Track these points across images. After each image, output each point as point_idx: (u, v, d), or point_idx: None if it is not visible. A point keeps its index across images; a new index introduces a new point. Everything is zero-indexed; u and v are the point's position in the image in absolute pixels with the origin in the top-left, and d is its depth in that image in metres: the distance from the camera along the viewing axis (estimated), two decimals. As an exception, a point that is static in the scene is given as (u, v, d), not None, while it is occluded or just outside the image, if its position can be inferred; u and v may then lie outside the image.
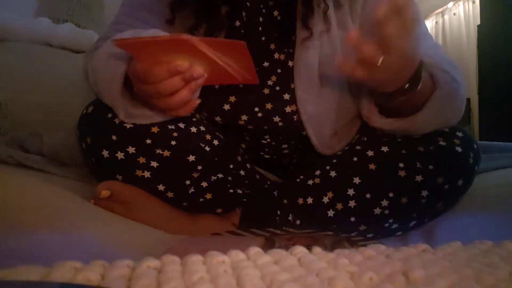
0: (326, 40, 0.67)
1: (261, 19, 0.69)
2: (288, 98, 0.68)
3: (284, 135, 0.71)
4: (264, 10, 0.69)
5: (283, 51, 0.69)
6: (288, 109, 0.68)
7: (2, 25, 1.14)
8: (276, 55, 0.69)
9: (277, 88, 0.68)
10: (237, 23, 0.69)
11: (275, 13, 0.69)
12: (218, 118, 0.69)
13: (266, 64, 0.69)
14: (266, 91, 0.68)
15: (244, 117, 0.69)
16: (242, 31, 0.69)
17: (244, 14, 0.69)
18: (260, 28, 0.69)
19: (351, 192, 0.62)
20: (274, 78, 0.69)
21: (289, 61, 0.68)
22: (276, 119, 0.68)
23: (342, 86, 0.69)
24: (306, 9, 0.66)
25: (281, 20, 0.69)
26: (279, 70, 0.69)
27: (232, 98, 0.68)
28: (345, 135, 0.71)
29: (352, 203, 0.62)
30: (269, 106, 0.68)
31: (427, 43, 0.66)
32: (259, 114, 0.68)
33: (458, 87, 0.58)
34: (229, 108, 0.68)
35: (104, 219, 0.58)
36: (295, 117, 0.68)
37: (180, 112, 0.55)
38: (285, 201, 0.65)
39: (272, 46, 0.69)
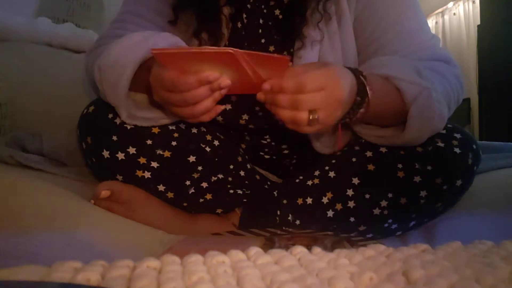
0: (326, 40, 0.67)
1: (261, 21, 0.69)
2: None
3: (284, 135, 0.71)
4: (265, 11, 0.69)
5: (283, 53, 0.69)
6: None
7: (3, 25, 1.14)
8: None
9: None
10: (239, 25, 0.69)
11: (276, 12, 0.69)
12: (219, 118, 0.69)
13: None
14: None
15: (245, 117, 0.69)
16: (243, 33, 0.69)
17: (244, 16, 0.69)
18: (260, 30, 0.69)
19: (350, 192, 0.62)
20: None
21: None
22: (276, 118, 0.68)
23: None
24: (300, 18, 0.65)
25: (281, 21, 0.69)
26: None
27: (233, 98, 0.68)
28: (344, 135, 0.71)
29: (351, 204, 0.62)
30: None
31: (421, 38, 0.65)
32: (260, 114, 0.68)
33: (429, 94, 0.56)
34: (230, 108, 0.68)
35: (104, 219, 0.58)
36: None
37: (204, 118, 0.55)
38: (285, 201, 0.65)
39: (272, 48, 0.69)
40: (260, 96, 0.51)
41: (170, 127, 0.62)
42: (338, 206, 0.62)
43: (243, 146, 0.74)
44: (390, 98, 0.56)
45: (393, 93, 0.56)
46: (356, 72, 0.54)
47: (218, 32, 0.67)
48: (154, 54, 0.48)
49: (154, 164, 0.61)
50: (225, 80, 0.50)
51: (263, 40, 0.69)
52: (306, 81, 0.48)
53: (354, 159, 0.63)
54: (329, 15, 0.66)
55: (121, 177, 0.62)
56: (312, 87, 0.48)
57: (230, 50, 0.46)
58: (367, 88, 0.53)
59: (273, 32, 0.69)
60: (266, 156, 0.75)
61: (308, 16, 0.65)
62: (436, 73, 0.59)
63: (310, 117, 0.49)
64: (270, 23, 0.69)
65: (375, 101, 0.54)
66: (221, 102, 0.68)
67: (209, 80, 0.49)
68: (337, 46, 0.67)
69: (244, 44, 0.69)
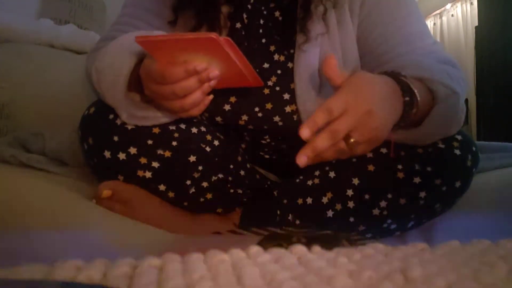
0: (326, 39, 0.68)
1: (262, 21, 0.70)
2: (288, 98, 0.68)
3: (284, 135, 0.71)
4: (265, 12, 0.70)
5: (283, 53, 0.69)
6: (288, 108, 0.69)
7: (5, 26, 1.14)
8: (276, 57, 0.69)
9: (277, 88, 0.69)
10: (238, 25, 0.69)
11: (276, 13, 0.70)
12: (218, 119, 0.70)
13: (266, 65, 0.69)
14: (266, 91, 0.69)
15: (245, 117, 0.69)
16: (243, 33, 0.69)
17: (245, 16, 0.69)
18: (260, 30, 0.70)
19: (350, 192, 0.62)
20: (274, 78, 0.69)
21: (289, 62, 0.69)
22: (276, 118, 0.69)
23: None
24: (304, 12, 0.66)
25: (281, 22, 0.70)
26: (279, 71, 0.69)
27: (233, 99, 0.69)
28: None
29: (351, 204, 0.62)
30: (269, 106, 0.68)
31: (425, 42, 0.66)
32: (259, 114, 0.69)
33: (457, 99, 0.57)
34: (229, 108, 0.69)
35: (106, 218, 0.58)
36: (295, 116, 0.68)
37: (194, 112, 0.55)
38: (285, 201, 0.65)
39: (272, 48, 0.69)
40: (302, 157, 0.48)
41: (171, 127, 0.63)
42: (338, 206, 0.63)
43: (243, 146, 0.75)
44: (426, 99, 0.55)
45: (428, 94, 0.55)
46: (394, 75, 0.53)
47: (217, 30, 0.67)
48: (138, 42, 0.48)
49: (155, 164, 0.61)
50: (214, 71, 0.50)
51: (263, 40, 0.70)
52: (331, 108, 0.45)
53: (354, 160, 0.64)
54: (336, 3, 0.66)
55: (122, 177, 0.62)
56: (338, 112, 0.45)
57: (212, 35, 0.46)
58: (412, 86, 0.52)
59: (273, 32, 0.69)
60: (266, 156, 0.75)
61: (312, 9, 0.66)
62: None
63: (348, 143, 0.46)
64: (270, 23, 0.70)
65: (421, 100, 0.53)
66: (220, 102, 0.68)
67: (197, 70, 0.49)
68: (337, 37, 0.67)
69: (244, 44, 0.69)
